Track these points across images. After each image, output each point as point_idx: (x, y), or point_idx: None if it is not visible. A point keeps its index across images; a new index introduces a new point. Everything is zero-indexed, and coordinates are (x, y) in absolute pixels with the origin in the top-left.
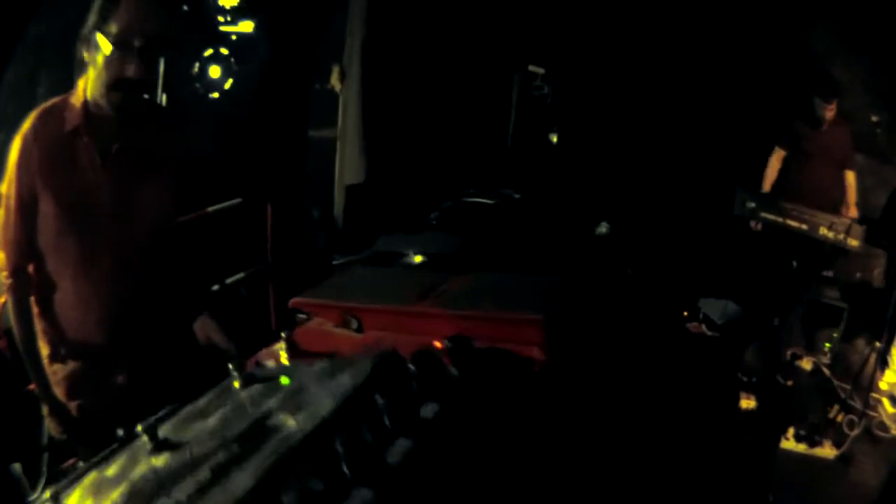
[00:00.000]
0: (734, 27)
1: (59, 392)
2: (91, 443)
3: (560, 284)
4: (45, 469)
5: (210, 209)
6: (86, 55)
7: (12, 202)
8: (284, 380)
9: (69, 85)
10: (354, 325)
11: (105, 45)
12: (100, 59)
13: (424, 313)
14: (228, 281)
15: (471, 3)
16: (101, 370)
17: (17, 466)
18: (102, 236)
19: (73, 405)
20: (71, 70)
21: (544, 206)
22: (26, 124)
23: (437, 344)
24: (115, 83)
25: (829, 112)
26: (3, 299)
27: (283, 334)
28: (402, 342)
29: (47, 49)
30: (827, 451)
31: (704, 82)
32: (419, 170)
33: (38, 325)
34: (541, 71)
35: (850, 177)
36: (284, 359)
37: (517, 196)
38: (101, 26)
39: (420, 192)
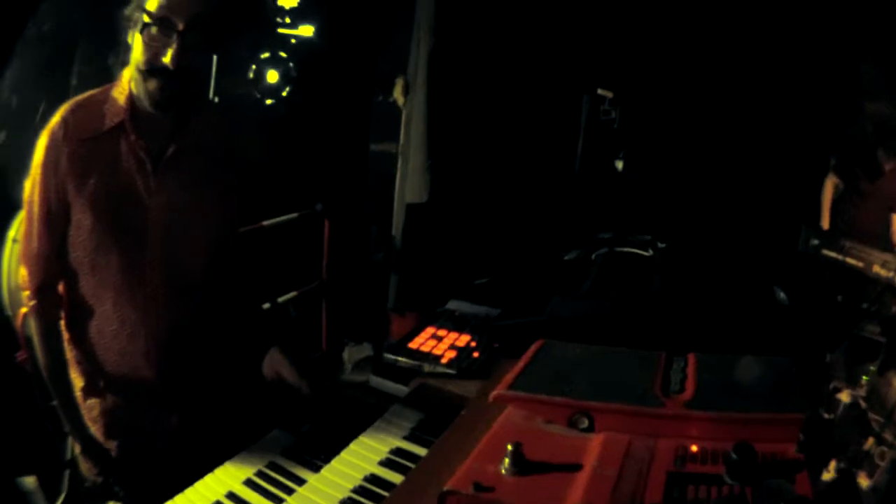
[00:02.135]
0: (800, 57)
1: (95, 430)
2: (132, 488)
3: (793, 369)
4: (65, 486)
5: (265, 223)
6: (129, 38)
7: (36, 210)
8: None
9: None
10: (585, 424)
11: (140, 25)
12: (137, 39)
13: (680, 415)
14: (281, 300)
15: (542, 20)
16: (147, 408)
17: (31, 481)
18: (152, 253)
19: (111, 445)
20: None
21: (702, 261)
22: (55, 119)
23: (694, 448)
24: (150, 68)
25: (890, 165)
26: (23, 310)
27: (509, 446)
28: (645, 446)
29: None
30: (862, 481)
31: (774, 115)
32: (487, 193)
33: (70, 353)
34: (609, 94)
35: (895, 219)
36: (506, 473)
37: (662, 245)
38: (142, 2)
39: (495, 220)
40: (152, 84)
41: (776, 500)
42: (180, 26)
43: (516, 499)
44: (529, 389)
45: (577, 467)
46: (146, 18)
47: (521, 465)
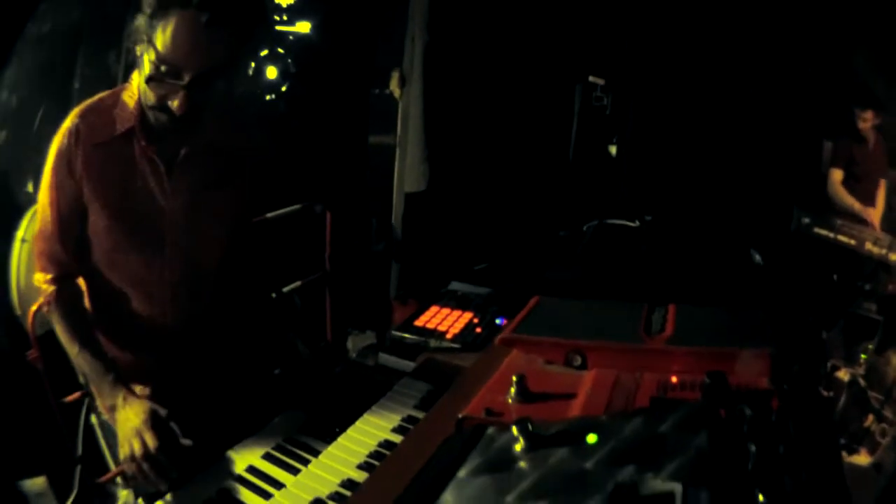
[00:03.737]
0: (791, 43)
1: (111, 425)
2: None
3: (764, 318)
4: (77, 482)
5: (269, 215)
6: (138, 49)
7: (49, 212)
8: (592, 437)
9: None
10: (578, 361)
11: (147, 64)
12: (145, 66)
13: (660, 350)
14: (285, 290)
15: (534, 10)
16: (167, 399)
17: (39, 482)
18: (170, 252)
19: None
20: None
21: (686, 230)
22: (66, 124)
23: (674, 379)
24: (159, 107)
25: (865, 122)
26: (34, 308)
27: (514, 378)
28: (632, 378)
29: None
30: (862, 458)
31: (763, 99)
32: (484, 181)
33: None
34: (601, 81)
35: (881, 184)
36: (513, 401)
37: (648, 218)
38: (149, 32)
39: (493, 208)
40: (162, 117)
41: (744, 412)
42: (186, 79)
43: None
44: (530, 333)
45: (572, 396)
46: (153, 56)
47: (525, 394)
